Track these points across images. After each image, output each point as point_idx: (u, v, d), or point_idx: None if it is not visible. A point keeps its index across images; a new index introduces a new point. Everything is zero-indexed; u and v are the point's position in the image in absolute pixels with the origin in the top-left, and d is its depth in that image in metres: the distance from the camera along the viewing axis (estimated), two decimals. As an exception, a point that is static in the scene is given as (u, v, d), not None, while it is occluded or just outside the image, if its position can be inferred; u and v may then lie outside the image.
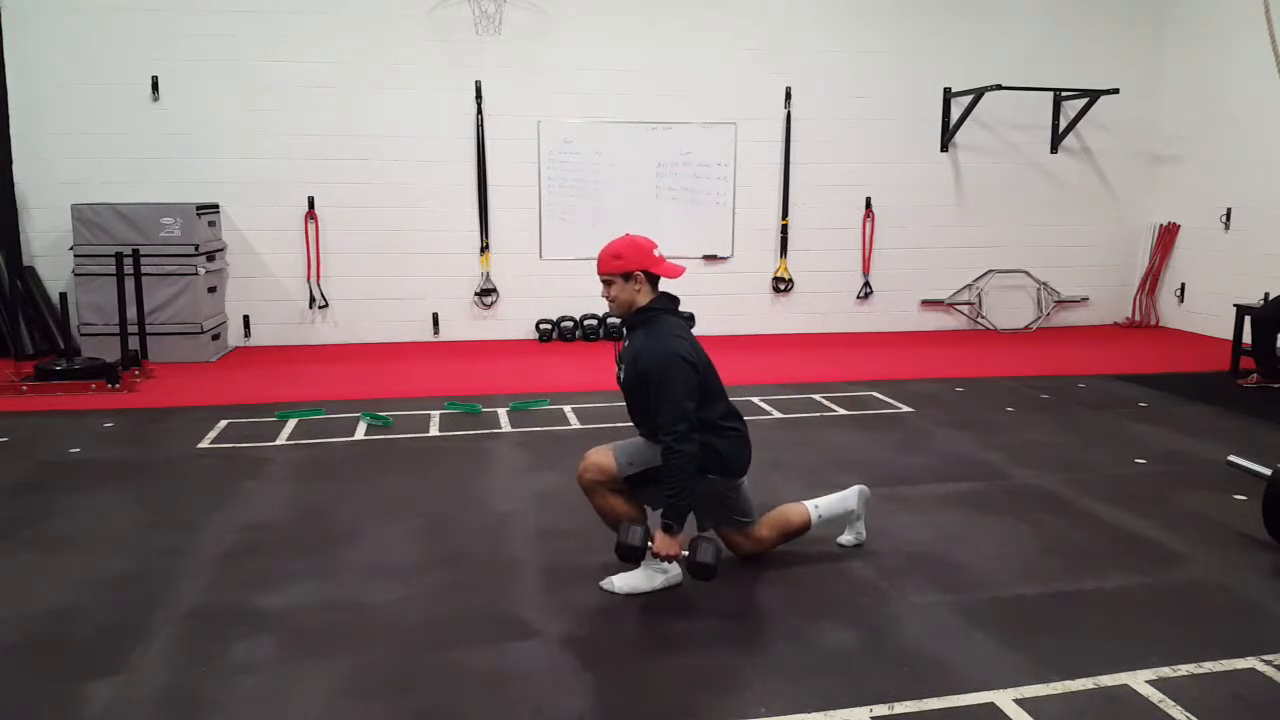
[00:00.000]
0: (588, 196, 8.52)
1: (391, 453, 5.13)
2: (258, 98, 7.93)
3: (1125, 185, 9.51)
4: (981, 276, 9.35)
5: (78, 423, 5.63)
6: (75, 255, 7.34)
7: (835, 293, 9.13)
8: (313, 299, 8.28)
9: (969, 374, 7.17)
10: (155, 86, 7.80)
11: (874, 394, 6.44)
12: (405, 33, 8.07)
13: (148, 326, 7.22)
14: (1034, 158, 9.24)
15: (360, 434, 5.46)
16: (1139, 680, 2.80)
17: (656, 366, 3.18)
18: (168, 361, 7.29)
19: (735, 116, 8.67)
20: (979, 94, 8.63)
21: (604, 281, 3.34)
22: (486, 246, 8.46)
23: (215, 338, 7.77)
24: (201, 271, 7.46)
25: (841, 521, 3.78)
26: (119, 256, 6.93)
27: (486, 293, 8.54)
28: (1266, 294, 7.54)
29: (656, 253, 3.33)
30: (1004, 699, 2.70)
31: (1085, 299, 9.61)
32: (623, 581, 3.39)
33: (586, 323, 8.54)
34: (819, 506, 3.68)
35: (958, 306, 9.40)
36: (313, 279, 8.25)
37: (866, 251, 9.11)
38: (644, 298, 3.32)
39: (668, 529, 3.20)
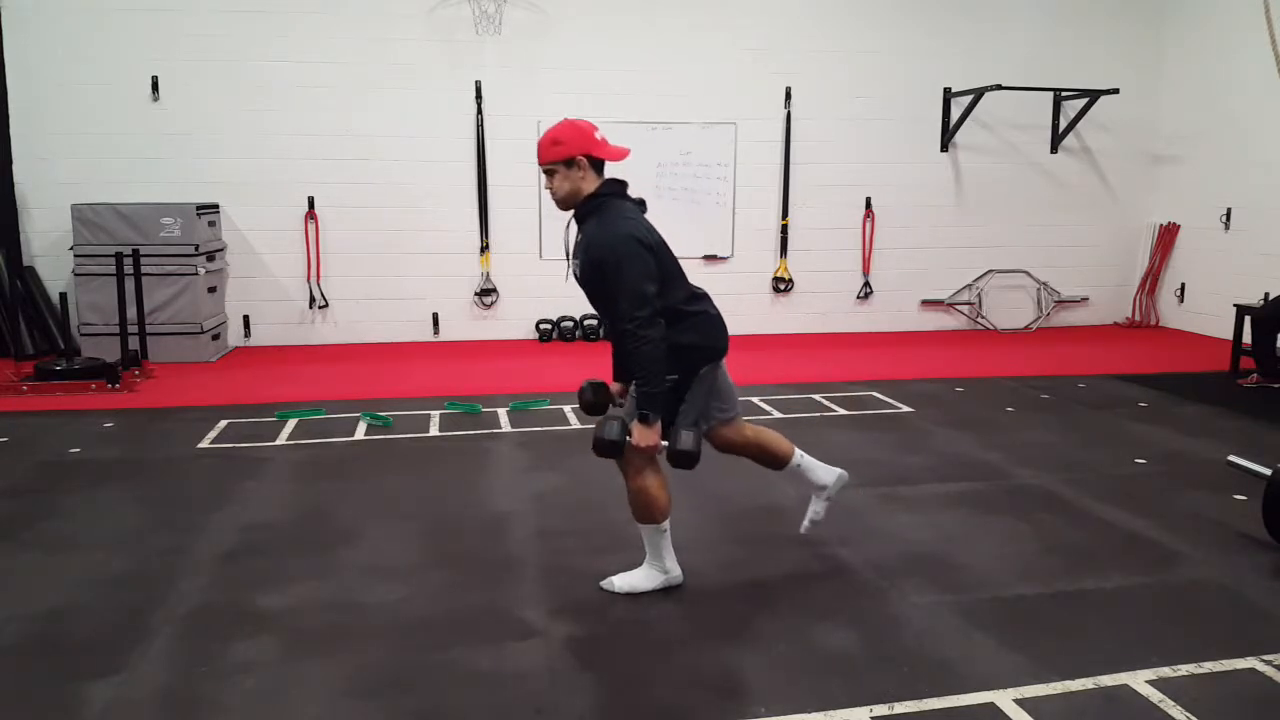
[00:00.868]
0: (588, 196, 8.50)
1: (391, 453, 5.13)
2: (258, 98, 7.93)
3: (1125, 185, 9.51)
4: (981, 276, 9.35)
5: (78, 423, 5.63)
6: (75, 255, 7.34)
7: (835, 293, 9.13)
8: (313, 299, 8.28)
9: (969, 374, 7.17)
10: (155, 86, 7.80)
11: (874, 394, 6.44)
12: (405, 33, 8.07)
13: (148, 326, 7.22)
14: (1034, 158, 9.24)
15: (360, 434, 5.46)
16: (1139, 680, 2.80)
17: (610, 254, 3.02)
18: (168, 361, 7.29)
19: (735, 116, 8.67)
20: (979, 94, 8.63)
21: (546, 172, 3.15)
22: (486, 246, 8.46)
23: (215, 338, 7.77)
24: (201, 271, 7.46)
25: (808, 488, 3.65)
26: (119, 256, 6.93)
27: (486, 293, 8.54)
28: (1266, 294, 7.54)
29: (598, 135, 3.14)
30: (1004, 699, 2.70)
31: (1085, 299, 9.61)
32: (623, 581, 3.39)
33: (587, 323, 8.54)
34: (803, 458, 3.60)
35: (958, 306, 9.40)
36: (313, 279, 8.25)
37: (866, 251, 9.11)
38: (590, 184, 3.13)
39: (644, 419, 3.07)
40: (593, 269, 3.11)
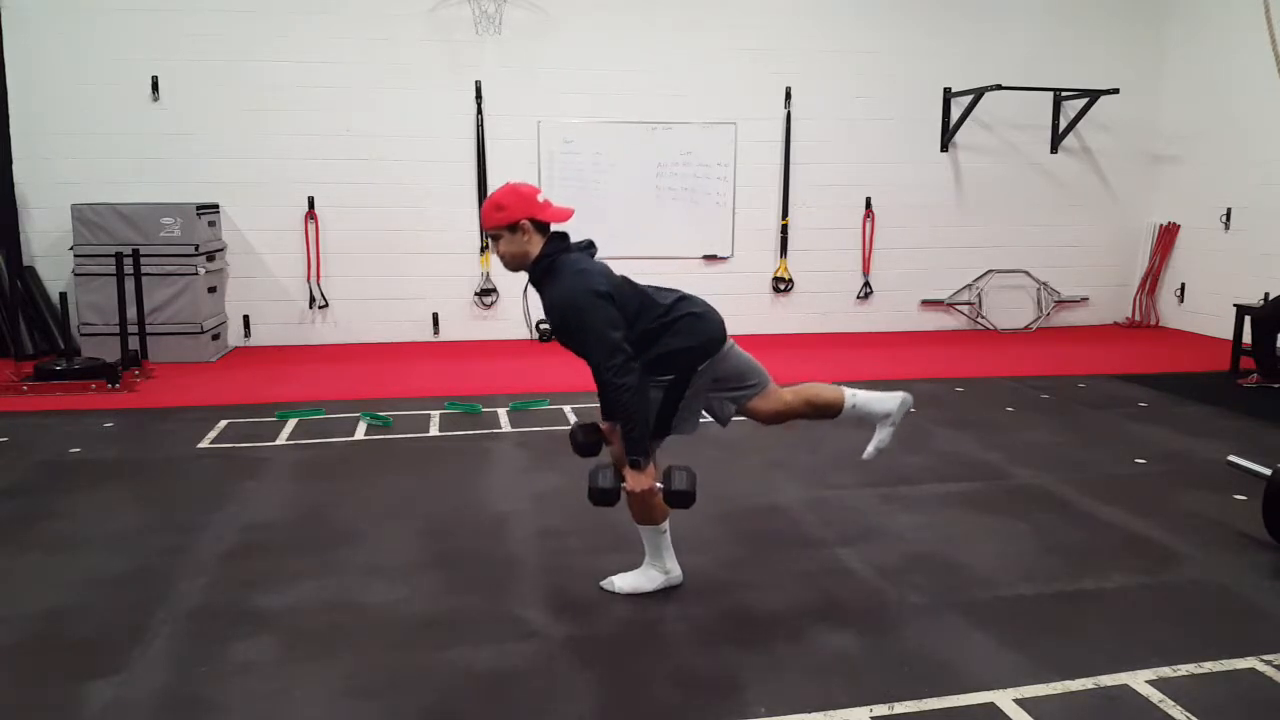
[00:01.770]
0: (588, 196, 8.51)
1: (391, 453, 5.13)
2: (258, 98, 7.93)
3: (1125, 185, 9.51)
4: (981, 276, 9.35)
5: (78, 423, 5.63)
6: (75, 255, 7.34)
7: (835, 293, 9.13)
8: (313, 299, 8.28)
9: (969, 374, 7.17)
10: (155, 86, 7.80)
11: (874, 394, 6.43)
12: (405, 33, 8.07)
13: (148, 326, 7.22)
14: (1034, 158, 9.24)
15: (360, 434, 5.46)
16: (1139, 680, 2.80)
17: (571, 312, 3.06)
18: (168, 361, 7.29)
19: (735, 116, 8.67)
20: (979, 94, 8.63)
21: (491, 237, 3.18)
22: (486, 246, 8.46)
23: (215, 338, 7.77)
24: (201, 271, 7.46)
25: (871, 421, 3.56)
26: (119, 256, 6.93)
27: (486, 293, 8.55)
28: (1266, 294, 7.54)
29: (540, 198, 3.17)
30: (1004, 699, 2.70)
31: (1085, 299, 9.61)
32: (623, 581, 3.39)
33: (586, 323, 8.53)
34: (856, 395, 3.52)
35: (958, 306, 9.40)
36: (313, 279, 8.25)
37: (866, 251, 9.11)
38: (535, 246, 3.14)
39: (634, 464, 3.10)
40: (562, 329, 3.15)
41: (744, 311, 8.77)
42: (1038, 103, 9.02)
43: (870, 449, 3.58)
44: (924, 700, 2.70)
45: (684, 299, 3.28)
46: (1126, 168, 9.48)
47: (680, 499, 3.16)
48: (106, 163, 7.78)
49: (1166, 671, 2.85)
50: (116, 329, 6.92)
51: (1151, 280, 9.56)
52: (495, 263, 8.47)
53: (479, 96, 8.25)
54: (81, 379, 6.43)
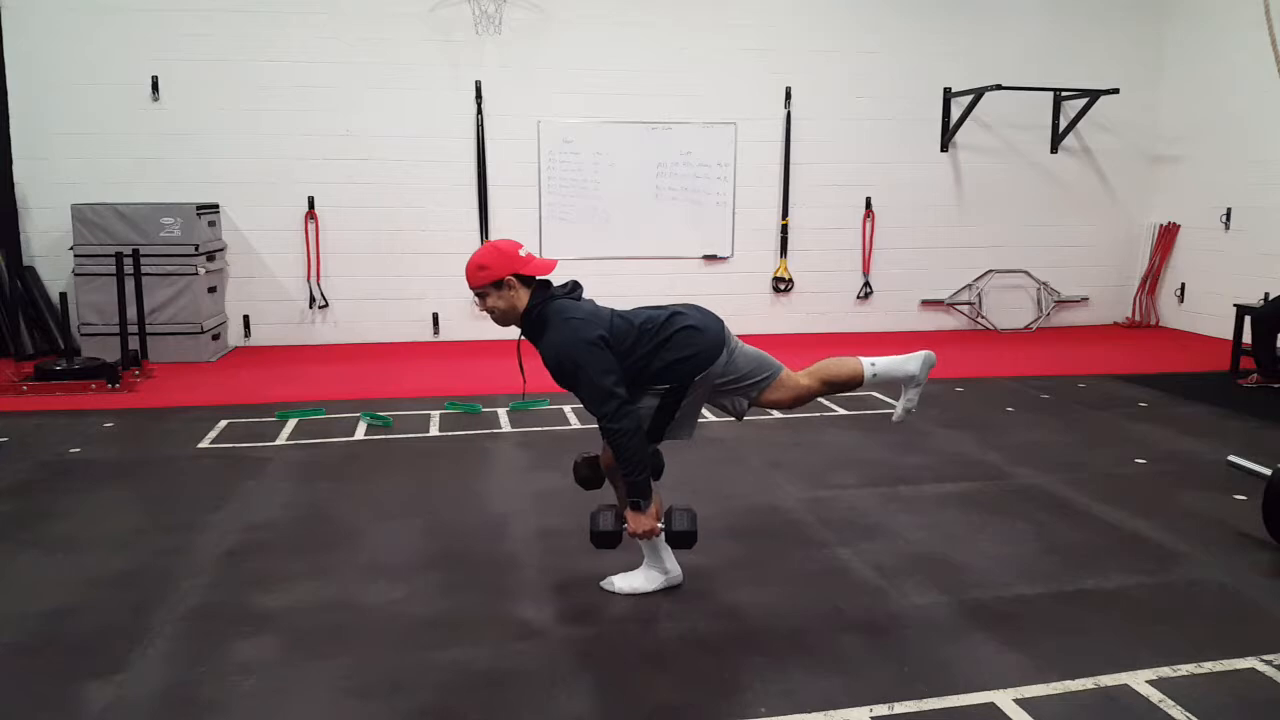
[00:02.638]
0: (588, 196, 8.52)
1: (391, 453, 5.13)
2: (258, 98, 7.93)
3: (1125, 185, 9.51)
4: (981, 276, 9.35)
5: (78, 423, 5.63)
6: (75, 255, 7.34)
7: (835, 293, 9.13)
8: (313, 299, 8.28)
9: (969, 374, 7.17)
10: (155, 86, 7.80)
11: (874, 394, 6.44)
12: (405, 33, 8.07)
13: (148, 326, 7.22)
14: (1034, 158, 9.24)
15: (360, 434, 5.46)
16: (1139, 680, 2.80)
17: (566, 363, 3.11)
18: (168, 361, 7.30)
19: (735, 116, 8.67)
20: (979, 94, 8.63)
21: (478, 295, 3.23)
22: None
23: (215, 338, 7.77)
24: (201, 271, 7.47)
25: (896, 385, 3.53)
26: (119, 256, 6.93)
27: (486, 293, 8.53)
28: (1266, 294, 7.54)
29: (523, 253, 3.22)
30: (1004, 699, 2.70)
31: (1085, 299, 9.61)
32: (623, 581, 3.39)
33: (586, 323, 8.53)
34: (875, 364, 3.48)
35: (958, 306, 9.40)
36: (313, 279, 8.25)
37: (866, 251, 9.11)
38: (522, 300, 3.20)
39: (635, 506, 3.16)
40: (560, 374, 3.19)
41: (744, 311, 8.77)
42: (1038, 103, 9.02)
43: (899, 411, 3.60)
44: (924, 700, 2.70)
45: (677, 314, 3.28)
46: (1126, 168, 9.48)
47: (682, 540, 3.22)
48: (106, 163, 7.78)
49: (1166, 671, 2.85)
50: (116, 329, 6.92)
51: (1151, 280, 9.56)
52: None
53: (479, 96, 8.25)
54: (81, 379, 6.43)
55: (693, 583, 3.43)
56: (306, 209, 8.15)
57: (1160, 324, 9.55)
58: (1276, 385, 6.62)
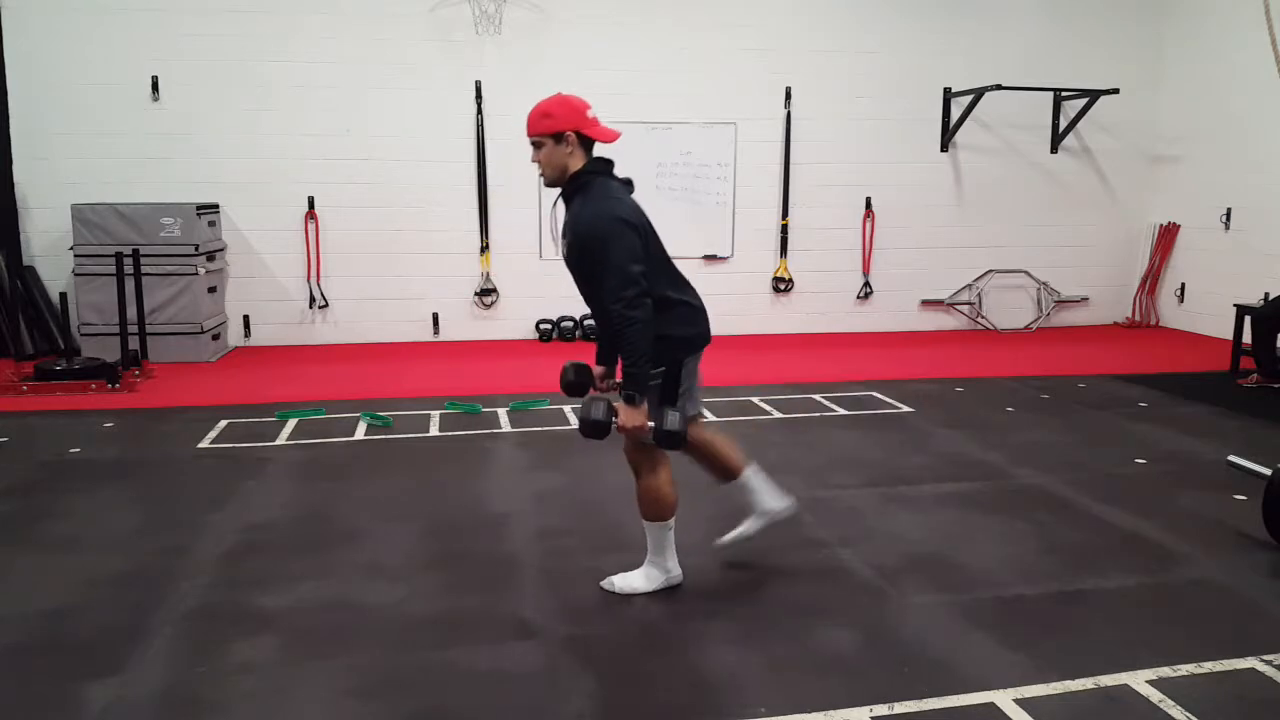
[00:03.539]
0: (588, 196, 8.50)
1: (391, 453, 5.13)
2: (258, 98, 7.93)
3: (1125, 185, 9.51)
4: (981, 276, 9.35)
5: (78, 423, 5.63)
6: (75, 255, 7.34)
7: (835, 293, 9.13)
8: (313, 299, 8.28)
9: (969, 374, 7.17)
10: (155, 86, 7.80)
11: (874, 394, 6.44)
12: (405, 33, 8.07)
13: (148, 326, 7.21)
14: (1034, 158, 9.24)
15: (360, 434, 5.46)
16: (1139, 680, 2.80)
17: (596, 233, 2.97)
18: (168, 361, 7.29)
19: (735, 116, 8.67)
20: (979, 94, 8.63)
21: (533, 144, 3.10)
22: (486, 246, 8.46)
23: (215, 338, 7.77)
24: (201, 271, 7.46)
25: (753, 506, 3.47)
26: (119, 256, 6.93)
27: (486, 293, 8.55)
28: (1266, 294, 7.54)
29: (590, 113, 3.10)
30: (1004, 699, 2.70)
31: (1085, 299, 9.61)
32: (623, 581, 3.39)
33: (587, 322, 8.53)
34: (757, 477, 3.44)
35: (958, 306, 9.40)
36: (313, 279, 8.25)
37: (866, 251, 9.11)
38: (577, 162, 3.08)
39: (629, 399, 3.02)
40: (579, 248, 3.07)
41: (744, 311, 8.78)
42: (1038, 103, 9.02)
43: (732, 536, 3.48)
44: (924, 700, 2.70)
45: (688, 285, 3.26)
46: (1126, 168, 9.48)
47: (670, 439, 3.08)
48: (106, 163, 7.78)
49: (1166, 671, 2.85)
50: (116, 329, 6.92)
51: (1151, 280, 9.56)
52: (495, 263, 8.49)
53: (479, 96, 8.25)
54: (81, 379, 6.43)
55: (692, 583, 3.43)
56: (306, 209, 8.15)
57: (1160, 324, 9.55)
58: (1276, 385, 6.61)
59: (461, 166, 8.34)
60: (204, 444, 5.25)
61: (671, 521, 3.33)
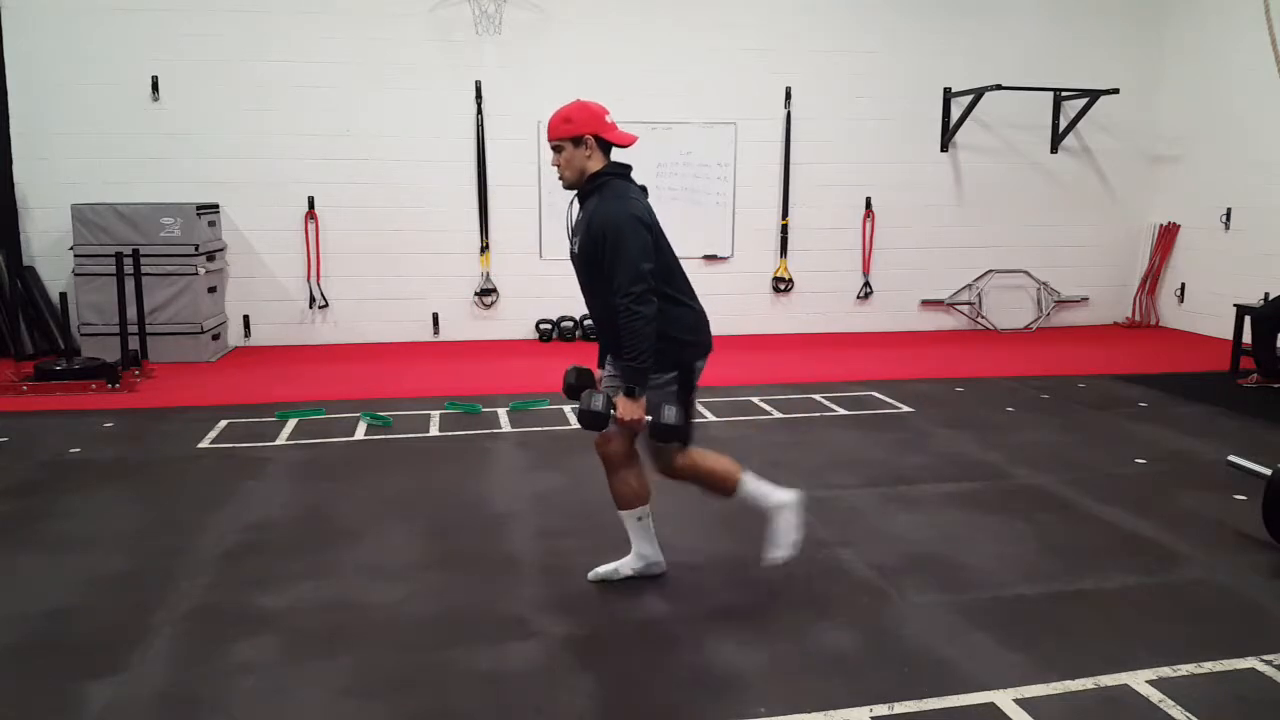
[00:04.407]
0: (588, 196, 8.51)
1: (391, 453, 5.13)
2: (258, 98, 7.93)
3: (1125, 185, 9.51)
4: (981, 276, 9.35)
5: (78, 423, 5.63)
6: (75, 255, 7.34)
7: (835, 293, 9.13)
8: (313, 299, 8.28)
9: (969, 374, 7.17)
10: (155, 86, 7.80)
11: (874, 394, 6.44)
12: (405, 33, 8.07)
13: (148, 326, 7.21)
14: (1034, 158, 9.24)
15: (360, 434, 5.46)
16: (1139, 680, 2.80)
17: (610, 229, 3.06)
18: (168, 361, 7.29)
19: (735, 116, 8.67)
20: (979, 94, 8.63)
21: (554, 148, 3.21)
22: (486, 246, 8.46)
23: (215, 338, 7.77)
24: (201, 271, 7.46)
25: (764, 513, 3.38)
26: (119, 256, 6.93)
27: (486, 293, 8.54)
28: (1266, 294, 7.54)
29: (609, 118, 3.22)
30: (1004, 699, 2.70)
31: (1085, 299, 9.61)
32: (603, 568, 3.47)
33: (587, 323, 8.54)
34: (750, 485, 3.36)
35: (958, 306, 9.40)
36: (313, 279, 8.25)
37: (866, 251, 9.11)
38: (595, 164, 3.20)
39: (630, 393, 3.08)
40: (591, 244, 3.13)
41: (744, 311, 8.78)
42: (1038, 103, 9.02)
43: (780, 553, 3.37)
44: (924, 700, 2.70)
45: (692, 291, 3.32)
46: (1126, 168, 9.48)
47: (668, 433, 3.12)
48: (106, 163, 7.78)
49: (1166, 671, 2.85)
50: (116, 329, 6.92)
51: (1151, 280, 9.56)
52: (495, 262, 8.49)
53: (479, 96, 8.25)
54: (81, 379, 6.43)
55: (692, 582, 3.44)
56: (306, 209, 8.15)
57: (1160, 324, 9.55)
58: (1276, 385, 6.62)
59: (461, 166, 8.34)
60: (204, 444, 5.25)
61: (642, 510, 3.37)
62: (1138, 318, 9.60)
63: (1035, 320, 9.46)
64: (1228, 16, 8.53)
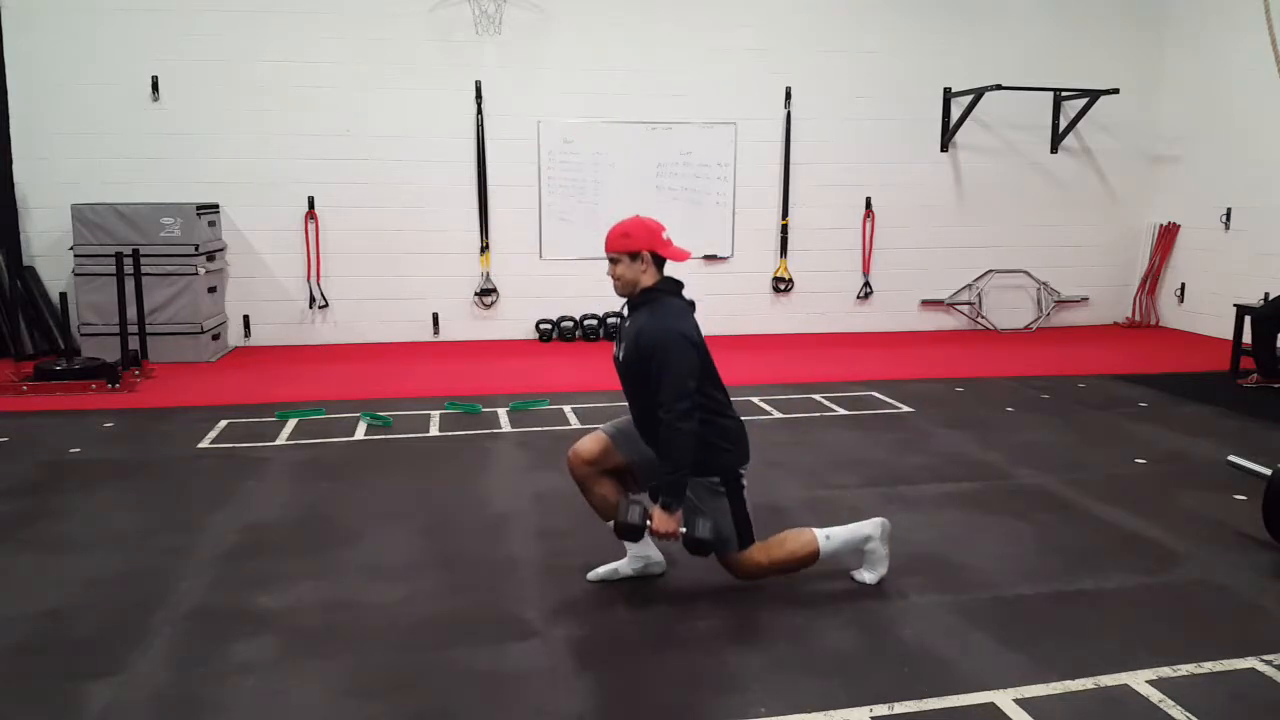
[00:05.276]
0: (587, 197, 8.52)
1: (391, 453, 5.13)
2: (258, 98, 7.93)
3: (1125, 185, 9.51)
4: (981, 276, 9.35)
5: (78, 423, 5.63)
6: (75, 255, 7.34)
7: (835, 293, 9.13)
8: (313, 299, 8.28)
9: (969, 374, 7.17)
10: (155, 86, 7.80)
11: (874, 394, 6.44)
12: (405, 33, 8.07)
13: (148, 326, 7.21)
14: (1034, 158, 9.24)
15: (360, 434, 5.46)
16: (1139, 680, 2.80)
17: (659, 344, 3.16)
18: (168, 361, 7.29)
19: (735, 116, 8.67)
20: (979, 94, 8.63)
21: (610, 260, 3.31)
22: (486, 246, 8.46)
23: (215, 338, 7.76)
24: (201, 271, 7.46)
25: (855, 553, 3.46)
26: (119, 256, 6.93)
27: (486, 293, 8.54)
28: (1266, 294, 7.54)
29: (665, 235, 3.32)
30: (1004, 699, 2.70)
31: (1085, 299, 9.61)
32: (603, 569, 3.48)
33: (586, 323, 8.54)
34: (830, 537, 3.41)
35: (958, 306, 9.40)
36: (313, 279, 8.25)
37: (866, 251, 9.11)
38: (649, 279, 3.30)
39: (666, 506, 3.17)
40: (638, 358, 3.22)
41: (744, 311, 8.78)
42: (1038, 103, 9.02)
43: (870, 578, 3.47)
44: (924, 700, 2.70)
45: (730, 403, 3.37)
46: (1126, 168, 9.48)
47: (699, 547, 3.21)
48: (106, 163, 7.78)
49: (1166, 671, 2.85)
50: (116, 329, 6.92)
51: (1151, 280, 9.56)
52: (495, 262, 8.50)
53: (479, 96, 8.25)
54: (81, 379, 6.43)
55: (692, 582, 3.44)
56: (306, 209, 8.15)
57: (1160, 324, 9.55)
58: (1276, 385, 6.61)
59: (461, 166, 8.34)
60: (204, 444, 5.25)
61: None
62: (1138, 318, 9.60)
63: (1035, 320, 9.46)
64: (1228, 16, 8.53)
